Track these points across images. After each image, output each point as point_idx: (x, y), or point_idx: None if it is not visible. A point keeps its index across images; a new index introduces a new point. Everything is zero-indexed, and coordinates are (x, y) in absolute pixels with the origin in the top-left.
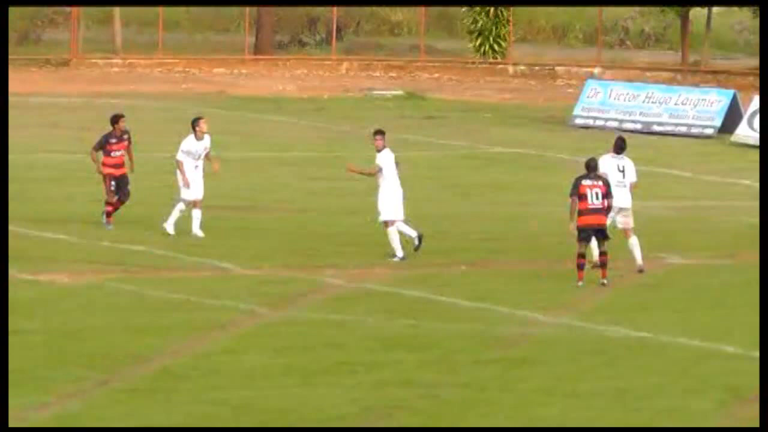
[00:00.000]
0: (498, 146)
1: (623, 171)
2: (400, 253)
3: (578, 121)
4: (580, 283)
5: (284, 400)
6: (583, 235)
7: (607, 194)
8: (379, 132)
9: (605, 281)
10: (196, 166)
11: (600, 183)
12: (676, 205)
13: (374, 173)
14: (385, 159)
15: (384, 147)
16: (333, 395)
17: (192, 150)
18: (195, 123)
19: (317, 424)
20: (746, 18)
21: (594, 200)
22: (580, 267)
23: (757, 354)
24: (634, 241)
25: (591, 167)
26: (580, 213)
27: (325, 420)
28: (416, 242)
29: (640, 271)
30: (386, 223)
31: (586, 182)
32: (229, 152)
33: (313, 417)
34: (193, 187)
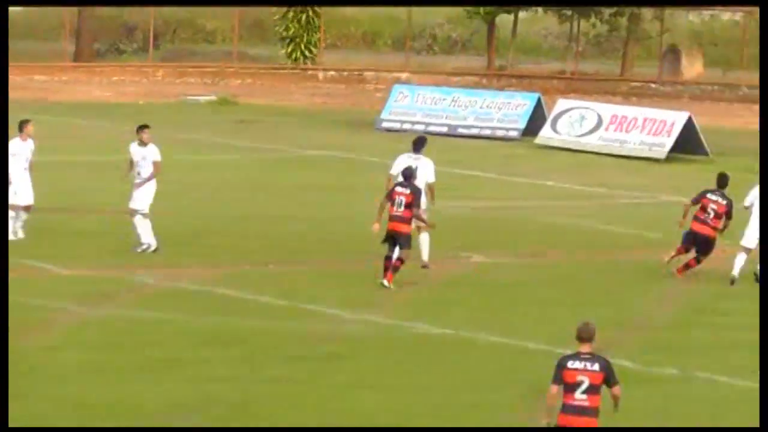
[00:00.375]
0: (309, 149)
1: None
2: (154, 242)
3: (386, 124)
4: (386, 283)
5: (100, 396)
6: (385, 238)
7: (412, 204)
8: (145, 126)
9: (385, 282)
10: (25, 168)
11: (407, 192)
12: (482, 205)
13: (159, 171)
14: (156, 153)
15: (150, 141)
16: (147, 391)
17: (18, 152)
18: (23, 125)
19: (132, 419)
20: (551, 24)
21: (398, 208)
22: (386, 268)
23: (558, 350)
24: (424, 237)
25: (405, 175)
26: (388, 217)
27: (141, 415)
28: (149, 248)
29: (424, 267)
30: (144, 214)
31: (398, 189)
32: (51, 156)
33: (128, 412)
34: (21, 193)
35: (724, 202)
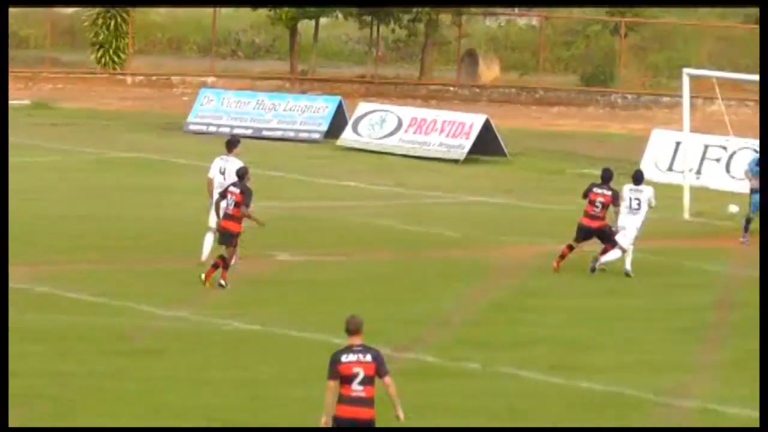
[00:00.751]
0: (120, 151)
1: (224, 173)
2: None
3: (193, 127)
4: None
5: None
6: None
7: (241, 203)
8: None
9: (223, 282)
10: None
11: (238, 191)
12: (287, 205)
13: None
14: None
15: None
16: None
17: None
18: None
19: None
20: (352, 29)
21: (228, 206)
22: (215, 266)
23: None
24: None
25: (239, 175)
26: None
27: None
28: None
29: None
30: None
31: (230, 188)
32: None
33: None
34: None
35: (609, 193)
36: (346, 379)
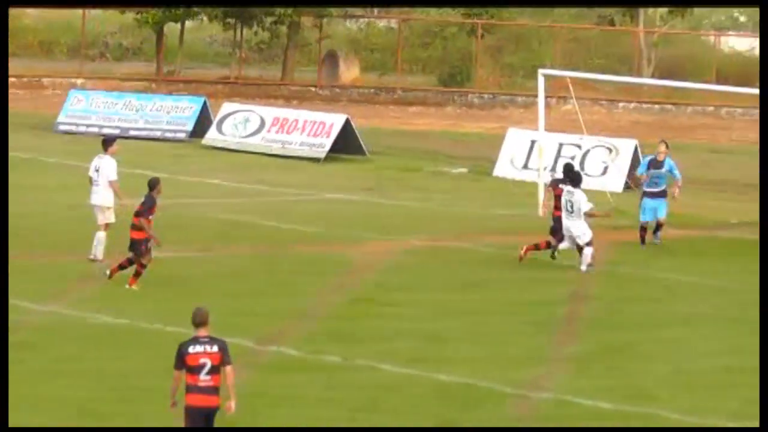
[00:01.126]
0: None
1: (98, 170)
2: None
3: (63, 127)
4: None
5: None
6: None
7: (140, 211)
8: None
9: (134, 287)
10: None
11: (142, 200)
12: None
13: None
14: None
15: None
16: None
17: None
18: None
19: None
20: (216, 31)
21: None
22: (122, 267)
23: (232, 339)
24: (100, 235)
25: (148, 186)
26: None
27: None
28: None
29: (94, 260)
30: None
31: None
32: None
33: None
34: None
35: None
36: (194, 370)
